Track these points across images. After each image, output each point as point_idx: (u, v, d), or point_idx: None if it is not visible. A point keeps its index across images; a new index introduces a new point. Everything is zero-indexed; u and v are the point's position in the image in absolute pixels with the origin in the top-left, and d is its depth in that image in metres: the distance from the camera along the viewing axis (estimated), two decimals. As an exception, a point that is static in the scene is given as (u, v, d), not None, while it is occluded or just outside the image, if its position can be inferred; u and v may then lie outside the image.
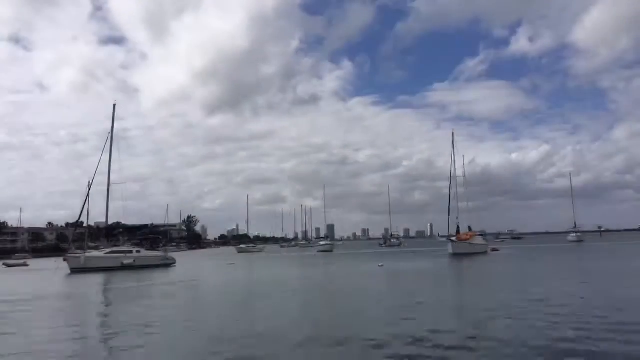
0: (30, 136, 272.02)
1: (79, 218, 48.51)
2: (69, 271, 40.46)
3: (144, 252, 47.14)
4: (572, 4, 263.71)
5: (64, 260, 42.66)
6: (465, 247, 48.42)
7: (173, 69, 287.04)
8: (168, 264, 46.38)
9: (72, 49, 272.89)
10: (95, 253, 44.44)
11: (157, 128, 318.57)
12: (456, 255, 45.59)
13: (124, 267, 42.16)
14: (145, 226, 58.47)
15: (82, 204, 47.84)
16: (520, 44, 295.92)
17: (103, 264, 42.03)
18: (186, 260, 65.86)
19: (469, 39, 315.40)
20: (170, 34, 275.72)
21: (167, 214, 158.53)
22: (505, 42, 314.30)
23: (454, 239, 50.33)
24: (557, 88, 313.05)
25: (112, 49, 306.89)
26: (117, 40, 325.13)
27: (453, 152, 56.61)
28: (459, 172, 57.37)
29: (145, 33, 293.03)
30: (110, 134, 47.99)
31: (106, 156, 47.46)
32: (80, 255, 42.63)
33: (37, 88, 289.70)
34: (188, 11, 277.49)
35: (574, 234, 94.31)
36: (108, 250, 45.11)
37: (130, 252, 45.39)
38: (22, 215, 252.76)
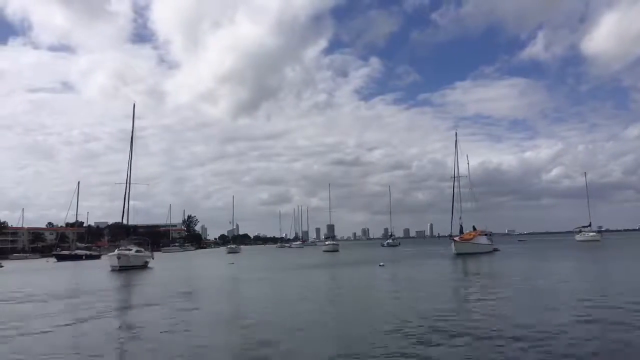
0: (42, 135, 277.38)
1: (122, 218, 46.83)
2: (109, 268, 41.15)
3: (146, 252, 48.34)
4: (591, 8, 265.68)
5: (118, 258, 41.89)
6: (468, 247, 48.27)
7: (198, 73, 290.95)
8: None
9: (107, 55, 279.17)
10: (132, 252, 44.60)
11: (173, 127, 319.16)
12: (459, 255, 45.59)
13: (144, 266, 43.90)
14: (129, 227, 57.10)
15: (123, 205, 46.26)
16: (543, 45, 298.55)
17: (136, 262, 43.24)
18: (192, 258, 68.79)
19: (494, 41, 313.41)
20: (202, 42, 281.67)
21: (169, 214, 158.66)
22: (528, 43, 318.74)
23: (456, 238, 50.31)
24: (579, 87, 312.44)
25: (146, 54, 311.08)
26: (151, 45, 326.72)
27: (456, 152, 56.35)
28: (464, 172, 57.23)
29: (180, 41, 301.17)
30: (132, 133, 47.60)
31: (130, 156, 47.15)
32: (128, 254, 43.17)
33: (66, 90, 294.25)
34: (223, 23, 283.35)
35: (588, 233, 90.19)
36: (135, 249, 45.86)
37: (142, 251, 46.71)
38: (28, 215, 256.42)
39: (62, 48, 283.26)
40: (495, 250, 52.73)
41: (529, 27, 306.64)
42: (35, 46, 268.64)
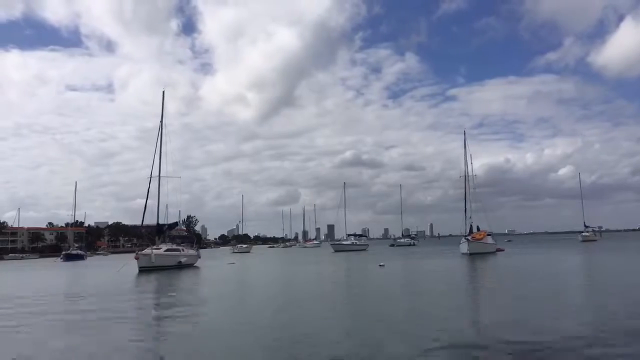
0: (59, 134, 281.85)
1: (144, 214, 43.78)
2: (137, 270, 37.75)
3: (187, 251, 44.99)
4: (617, 12, 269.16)
5: (136, 258, 39.54)
6: (480, 247, 48.04)
7: (230, 79, 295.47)
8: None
9: (148, 62, 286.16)
10: (159, 251, 41.37)
11: (192, 125, 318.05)
12: (471, 255, 45.13)
13: (180, 266, 40.76)
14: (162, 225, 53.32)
15: (144, 204, 43.71)
16: (574, 46, 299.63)
17: (165, 262, 40.03)
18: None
19: (525, 41, 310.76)
20: (239, 52, 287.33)
21: (165, 213, 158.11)
22: (560, 44, 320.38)
23: (469, 238, 49.71)
24: (605, 84, 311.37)
25: (184, 59, 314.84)
26: (191, 53, 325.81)
27: (465, 152, 55.57)
28: (471, 173, 56.25)
29: (219, 51, 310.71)
30: (161, 122, 44.59)
31: (159, 145, 44.22)
32: (149, 253, 40.28)
33: (96, 91, 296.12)
34: (259, 35, 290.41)
35: (586, 233, 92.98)
36: (166, 247, 42.57)
37: (178, 250, 43.27)
38: (36, 215, 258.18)
39: (108, 56, 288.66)
40: (499, 250, 52.25)
41: (560, 29, 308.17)
42: (80, 52, 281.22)
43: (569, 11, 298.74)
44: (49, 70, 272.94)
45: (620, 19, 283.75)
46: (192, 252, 46.00)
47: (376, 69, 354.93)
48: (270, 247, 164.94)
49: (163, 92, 46.31)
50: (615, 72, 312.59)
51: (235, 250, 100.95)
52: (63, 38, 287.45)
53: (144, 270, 37.39)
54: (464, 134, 57.55)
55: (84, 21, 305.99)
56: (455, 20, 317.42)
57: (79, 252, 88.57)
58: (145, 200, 43.69)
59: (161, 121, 44.62)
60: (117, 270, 39.34)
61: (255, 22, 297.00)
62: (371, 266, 36.55)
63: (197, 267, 42.25)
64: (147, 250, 41.02)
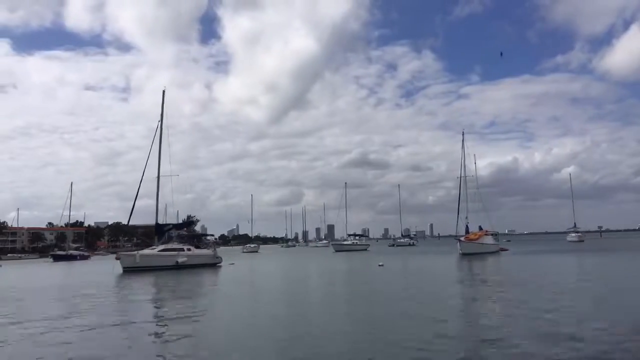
0: (68, 134, 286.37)
1: (133, 214, 43.97)
2: (121, 270, 36.92)
3: (195, 251, 43.00)
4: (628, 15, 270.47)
5: (117, 258, 38.99)
6: (473, 247, 47.72)
7: (243, 81, 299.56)
8: (216, 263, 42.93)
9: (166, 65, 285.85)
10: (148, 251, 40.51)
11: (201, 125, 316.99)
12: (465, 255, 44.93)
13: (178, 267, 38.66)
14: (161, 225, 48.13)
15: (133, 203, 43.48)
16: (584, 47, 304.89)
17: (157, 262, 38.63)
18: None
19: (544, 41, 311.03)
20: (254, 56, 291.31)
21: (165, 213, 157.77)
22: (570, 48, 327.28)
23: (462, 238, 49.53)
24: (617, 83, 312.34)
25: (199, 59, 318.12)
26: (209, 54, 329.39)
27: (463, 153, 55.66)
28: (473, 173, 56.65)
29: (235, 56, 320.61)
30: (160, 123, 44.01)
31: (156, 147, 43.76)
32: (134, 253, 39.73)
33: (108, 92, 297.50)
34: (278, 41, 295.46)
35: (574, 234, 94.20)
36: (161, 247, 41.19)
37: (182, 249, 41.58)
38: (41, 215, 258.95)
39: (127, 58, 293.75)
40: (503, 250, 51.92)
41: (574, 32, 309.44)
42: (100, 54, 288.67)
43: (582, 15, 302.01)
44: (68, 73, 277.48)
45: (631, 21, 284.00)
46: (206, 251, 44.37)
47: (392, 66, 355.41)
48: (281, 246, 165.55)
49: (163, 91, 45.97)
50: (625, 73, 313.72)
51: (245, 250, 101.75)
52: (85, 42, 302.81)
53: (128, 270, 36.75)
54: (462, 134, 58.03)
55: (109, 28, 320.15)
56: (470, 21, 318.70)
57: (72, 252, 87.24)
58: (134, 200, 43.66)
59: (160, 120, 44.36)
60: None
61: (273, 26, 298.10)
62: (371, 266, 36.99)
63: (215, 267, 40.69)
64: (133, 251, 40.92)
